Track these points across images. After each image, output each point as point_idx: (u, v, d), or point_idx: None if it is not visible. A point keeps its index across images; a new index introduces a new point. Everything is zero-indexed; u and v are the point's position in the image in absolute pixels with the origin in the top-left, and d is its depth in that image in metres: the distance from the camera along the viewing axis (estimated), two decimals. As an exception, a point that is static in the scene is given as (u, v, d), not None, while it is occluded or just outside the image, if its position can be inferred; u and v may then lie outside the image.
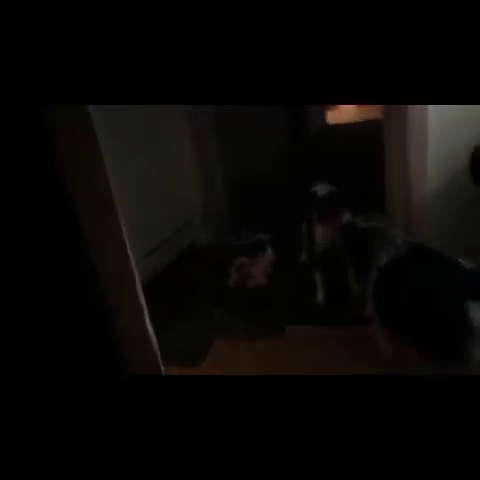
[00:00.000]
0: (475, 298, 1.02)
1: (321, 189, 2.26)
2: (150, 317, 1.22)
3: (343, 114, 7.31)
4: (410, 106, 1.73)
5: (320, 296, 2.30)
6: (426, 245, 1.33)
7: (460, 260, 1.14)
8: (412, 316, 1.20)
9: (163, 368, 1.32)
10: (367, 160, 2.60)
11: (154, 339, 1.25)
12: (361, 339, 1.66)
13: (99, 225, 1.07)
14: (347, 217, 1.80)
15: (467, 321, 1.01)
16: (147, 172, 2.68)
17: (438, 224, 1.82)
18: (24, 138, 0.95)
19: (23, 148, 0.95)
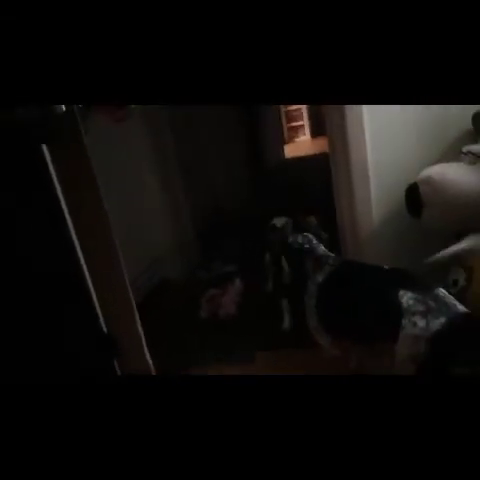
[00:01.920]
0: (399, 287, 1.30)
1: (278, 221, 2.45)
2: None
3: (299, 147, 7.67)
4: (352, 141, 1.94)
5: (286, 322, 2.46)
6: (352, 260, 1.73)
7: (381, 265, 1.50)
8: (353, 318, 1.47)
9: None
10: (320, 191, 2.81)
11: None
12: (327, 359, 1.82)
13: (94, 242, 1.20)
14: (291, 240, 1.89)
15: (399, 305, 1.27)
16: (114, 209, 2.79)
17: (382, 248, 2.06)
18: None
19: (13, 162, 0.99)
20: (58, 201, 1.13)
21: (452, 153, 1.86)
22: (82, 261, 1.18)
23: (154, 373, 1.30)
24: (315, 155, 6.43)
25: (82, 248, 1.18)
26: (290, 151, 7.32)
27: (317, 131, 7.86)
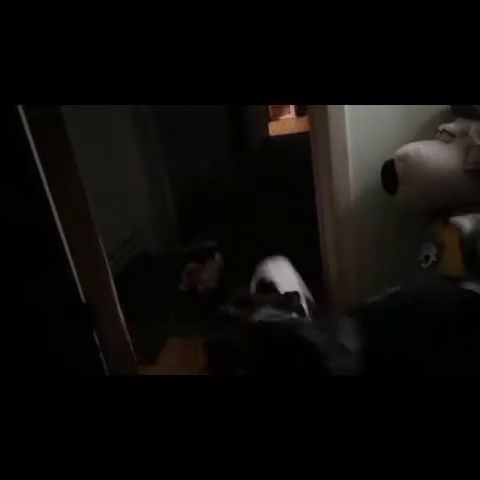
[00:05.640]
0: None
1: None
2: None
3: (284, 125, 7.65)
4: (332, 120, 1.96)
5: None
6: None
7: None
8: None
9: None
10: (301, 168, 2.84)
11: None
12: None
13: (74, 221, 1.20)
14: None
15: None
16: (95, 182, 2.78)
17: (359, 224, 2.10)
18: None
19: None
20: (36, 170, 1.11)
21: (428, 132, 1.89)
22: (60, 231, 1.18)
23: (130, 343, 1.31)
24: (298, 133, 6.48)
25: (60, 219, 1.17)
26: (274, 129, 7.31)
27: (302, 110, 7.83)
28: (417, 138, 1.90)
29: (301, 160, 2.81)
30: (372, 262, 2.18)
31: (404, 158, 1.77)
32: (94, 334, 1.24)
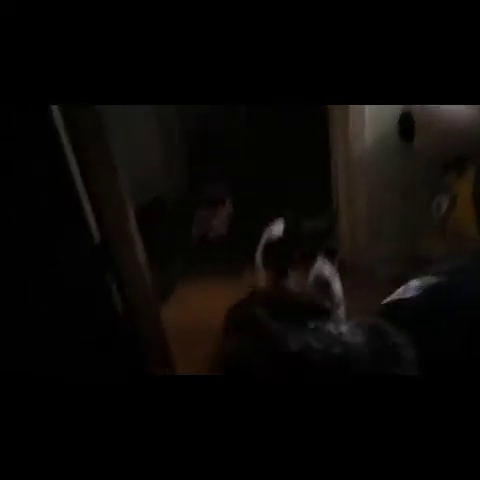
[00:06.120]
0: None
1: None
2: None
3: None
4: None
5: None
6: None
7: None
8: None
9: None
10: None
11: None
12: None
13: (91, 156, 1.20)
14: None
15: None
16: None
17: (373, 171, 2.10)
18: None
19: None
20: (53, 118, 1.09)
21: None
22: (77, 173, 1.17)
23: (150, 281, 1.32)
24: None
25: (79, 163, 1.16)
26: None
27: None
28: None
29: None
30: (385, 213, 2.19)
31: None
32: (110, 274, 1.26)
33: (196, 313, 2.17)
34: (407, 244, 2.11)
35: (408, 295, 0.97)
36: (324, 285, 1.17)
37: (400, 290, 1.00)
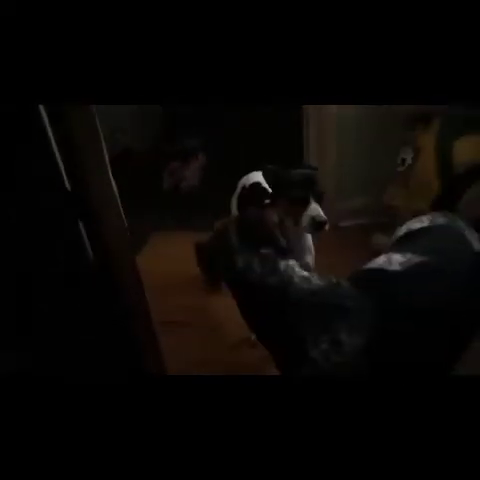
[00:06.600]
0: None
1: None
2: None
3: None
4: None
5: None
6: None
7: None
8: None
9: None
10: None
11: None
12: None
13: None
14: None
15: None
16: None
17: (342, 128, 2.13)
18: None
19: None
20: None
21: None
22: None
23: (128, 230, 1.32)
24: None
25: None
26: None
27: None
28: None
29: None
30: (353, 166, 2.23)
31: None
32: (80, 224, 1.25)
33: (169, 264, 2.23)
34: (373, 197, 2.17)
35: (390, 268, 0.99)
36: (319, 225, 1.23)
37: (380, 260, 1.03)
